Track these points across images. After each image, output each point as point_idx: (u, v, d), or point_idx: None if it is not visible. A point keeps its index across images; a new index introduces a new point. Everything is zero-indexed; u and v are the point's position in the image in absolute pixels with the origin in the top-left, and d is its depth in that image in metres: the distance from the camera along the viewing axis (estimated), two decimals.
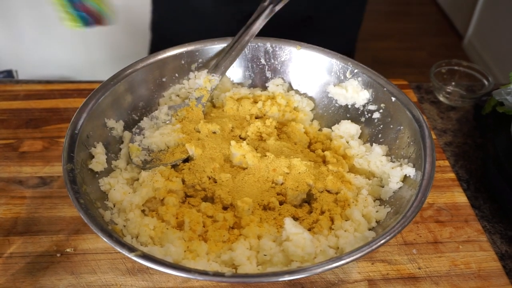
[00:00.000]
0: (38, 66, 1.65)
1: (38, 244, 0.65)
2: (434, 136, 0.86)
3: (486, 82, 0.97)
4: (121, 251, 0.48)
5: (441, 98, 0.98)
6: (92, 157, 0.64)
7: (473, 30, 2.84)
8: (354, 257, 0.48)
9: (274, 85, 0.80)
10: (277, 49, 0.78)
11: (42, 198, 0.71)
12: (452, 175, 0.78)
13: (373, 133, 0.72)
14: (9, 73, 1.44)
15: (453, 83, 1.00)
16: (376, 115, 0.72)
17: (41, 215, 0.69)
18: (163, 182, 0.63)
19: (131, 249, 0.48)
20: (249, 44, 0.77)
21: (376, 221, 0.61)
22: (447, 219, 0.71)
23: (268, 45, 0.77)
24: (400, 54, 2.86)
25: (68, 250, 0.65)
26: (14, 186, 0.73)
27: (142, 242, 0.56)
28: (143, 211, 0.62)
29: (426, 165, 0.58)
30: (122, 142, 0.70)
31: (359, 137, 0.73)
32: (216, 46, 0.77)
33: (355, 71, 0.73)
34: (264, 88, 0.81)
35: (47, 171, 0.75)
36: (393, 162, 0.66)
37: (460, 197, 0.74)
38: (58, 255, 0.64)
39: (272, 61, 0.79)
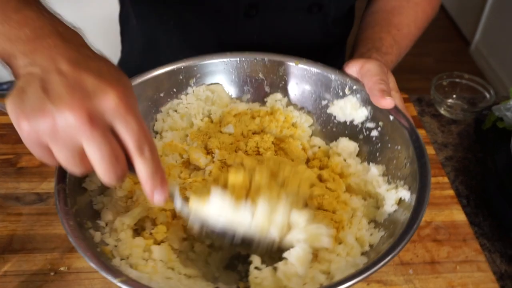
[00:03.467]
0: None
1: (33, 262, 0.65)
2: (433, 152, 0.85)
3: (487, 95, 0.96)
4: (105, 276, 0.48)
5: (442, 111, 0.97)
6: (87, 175, 0.63)
7: (480, 36, 2.82)
8: (345, 285, 0.48)
9: (273, 100, 0.79)
10: (275, 64, 0.77)
11: (38, 215, 0.71)
12: (451, 192, 0.77)
13: (371, 151, 0.71)
14: (13, 84, 1.44)
15: (454, 96, 0.99)
16: (374, 133, 0.71)
17: (37, 232, 0.69)
18: None
19: (116, 274, 0.48)
20: (248, 58, 0.77)
21: (370, 245, 0.60)
22: (445, 238, 0.70)
23: (267, 59, 0.77)
24: (406, 60, 2.84)
25: (62, 268, 0.65)
26: (11, 202, 0.73)
27: (132, 263, 0.56)
28: (136, 230, 0.62)
29: (420, 191, 0.57)
30: None
31: (357, 155, 0.73)
32: (214, 61, 0.77)
33: (354, 87, 0.72)
34: (263, 103, 0.80)
35: (44, 187, 0.76)
36: (390, 183, 0.65)
37: (458, 215, 0.74)
38: (52, 273, 0.64)
39: (271, 75, 0.78)
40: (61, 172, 0.58)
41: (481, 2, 2.75)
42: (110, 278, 0.48)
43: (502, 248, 0.73)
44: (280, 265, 0.54)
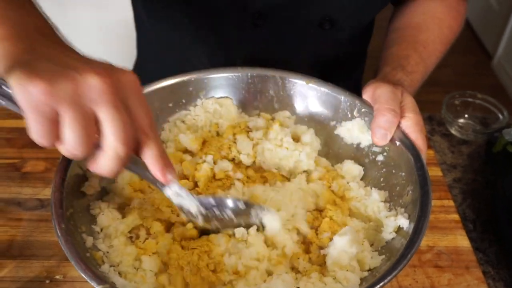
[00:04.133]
0: None
1: (29, 269, 0.66)
2: (440, 173, 0.83)
3: (500, 116, 0.93)
4: (89, 281, 0.48)
5: (453, 131, 0.95)
6: (86, 179, 0.64)
7: (503, 50, 2.77)
8: None
9: (281, 117, 0.78)
10: (286, 81, 0.76)
11: (38, 221, 0.72)
12: (456, 216, 0.75)
13: (375, 176, 0.70)
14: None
15: (466, 116, 0.97)
16: (380, 157, 0.69)
17: (36, 238, 0.70)
18: (152, 211, 0.63)
19: (99, 280, 0.48)
20: (258, 74, 0.76)
21: (370, 269, 0.59)
22: (447, 264, 0.69)
23: (278, 76, 0.76)
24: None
25: (57, 277, 0.65)
26: (12, 207, 0.74)
27: (122, 271, 0.56)
28: (130, 237, 0.62)
29: (418, 220, 0.56)
30: None
31: (361, 179, 0.71)
32: (225, 75, 0.77)
33: (363, 110, 0.70)
34: (271, 119, 0.79)
35: (46, 193, 0.76)
36: (390, 209, 0.64)
37: (462, 241, 0.72)
38: (47, 281, 0.65)
39: (281, 93, 0.78)
40: (60, 175, 0.58)
41: (505, 14, 2.70)
42: (93, 284, 0.48)
43: (507, 277, 0.71)
44: None
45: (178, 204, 0.57)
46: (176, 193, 0.56)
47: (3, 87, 0.43)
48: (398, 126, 0.65)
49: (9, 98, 0.43)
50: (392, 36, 0.88)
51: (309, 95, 0.76)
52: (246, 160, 0.72)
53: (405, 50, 0.81)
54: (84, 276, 0.49)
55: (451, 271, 0.68)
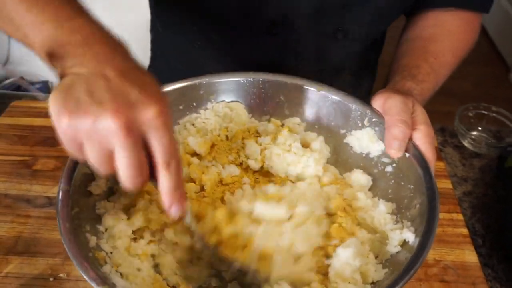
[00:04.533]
0: None
1: (34, 266, 0.66)
2: (450, 186, 0.82)
3: None
4: (90, 281, 0.49)
5: (466, 144, 0.94)
6: (94, 179, 0.64)
7: None
8: None
9: (291, 124, 0.78)
10: (297, 88, 0.76)
11: (46, 218, 0.73)
12: (464, 230, 0.74)
13: (383, 187, 0.69)
14: (44, 85, 1.49)
15: (479, 128, 0.96)
16: (389, 168, 0.69)
17: (42, 236, 0.70)
18: (158, 214, 0.63)
19: (99, 281, 0.48)
20: (270, 80, 0.76)
21: (372, 282, 0.58)
22: (453, 279, 0.67)
23: (289, 82, 0.76)
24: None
25: (61, 275, 0.65)
26: (21, 204, 0.75)
27: (123, 272, 0.56)
28: (134, 239, 0.62)
29: (424, 235, 0.55)
30: None
31: (369, 189, 0.71)
32: (236, 79, 0.77)
33: (373, 119, 0.70)
34: (281, 125, 0.79)
35: (55, 191, 0.76)
36: (397, 222, 0.63)
37: (470, 256, 0.70)
38: (51, 279, 0.65)
39: (292, 99, 0.77)
40: (68, 174, 0.59)
41: None
42: (93, 284, 0.48)
43: None
44: None
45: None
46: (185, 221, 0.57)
47: None
48: (409, 138, 0.65)
49: None
50: (403, 47, 0.88)
51: (320, 102, 0.75)
52: (254, 165, 0.72)
53: (415, 60, 0.81)
54: (84, 276, 0.49)
55: (457, 287, 0.66)
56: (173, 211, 0.50)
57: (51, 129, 0.87)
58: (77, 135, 0.45)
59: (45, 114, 0.90)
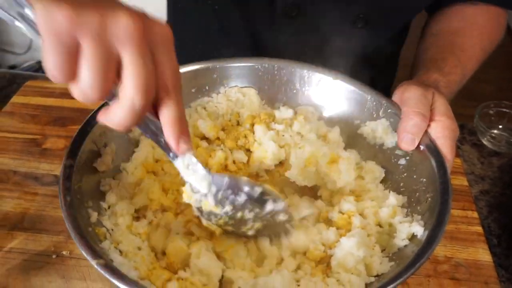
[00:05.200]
0: None
1: (38, 242, 0.66)
2: (466, 183, 0.79)
3: None
4: (85, 255, 0.48)
5: (485, 142, 0.91)
6: (100, 155, 0.63)
7: None
8: None
9: (304, 112, 0.76)
10: (313, 76, 0.74)
11: (52, 196, 0.72)
12: (479, 228, 0.71)
13: (396, 180, 0.67)
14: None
15: (500, 127, 0.93)
16: (402, 161, 0.66)
17: (48, 213, 0.70)
18: (158, 194, 0.62)
19: (95, 255, 0.48)
20: (285, 66, 0.75)
21: (377, 275, 0.56)
22: (464, 278, 0.65)
23: (305, 71, 0.74)
24: (464, 85, 2.72)
25: (64, 252, 0.65)
26: (29, 181, 0.75)
27: (123, 250, 0.55)
28: (137, 217, 0.62)
29: (434, 229, 0.53)
30: (138, 146, 0.69)
31: (381, 181, 0.68)
32: (251, 65, 0.75)
33: (389, 111, 0.68)
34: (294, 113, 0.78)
35: None
36: (407, 216, 0.61)
37: (483, 255, 0.68)
38: (54, 256, 0.65)
39: (307, 87, 0.76)
40: (73, 149, 0.59)
41: None
42: (89, 258, 0.48)
43: None
44: None
45: (187, 179, 0.51)
46: (187, 165, 0.50)
47: (27, 10, 0.39)
48: (426, 130, 0.62)
49: (30, 22, 0.39)
50: (428, 41, 0.85)
51: (335, 91, 0.74)
52: (270, 162, 0.70)
53: (441, 53, 0.78)
54: (80, 248, 0.48)
55: (468, 285, 0.64)
56: (181, 146, 0.44)
57: (62, 110, 0.89)
58: (77, 35, 0.36)
59: (58, 95, 0.91)
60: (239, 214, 0.54)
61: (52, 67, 0.37)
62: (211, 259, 0.54)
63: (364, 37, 0.87)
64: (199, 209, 0.54)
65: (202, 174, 0.51)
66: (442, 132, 0.62)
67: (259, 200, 0.54)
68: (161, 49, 0.40)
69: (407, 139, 0.61)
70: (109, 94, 0.40)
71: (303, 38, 0.87)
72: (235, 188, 0.53)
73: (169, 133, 0.44)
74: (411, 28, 0.99)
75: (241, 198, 0.53)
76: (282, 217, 0.55)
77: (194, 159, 0.50)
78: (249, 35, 0.89)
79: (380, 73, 1.00)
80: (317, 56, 0.79)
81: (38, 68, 1.48)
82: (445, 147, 0.61)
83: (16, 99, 0.90)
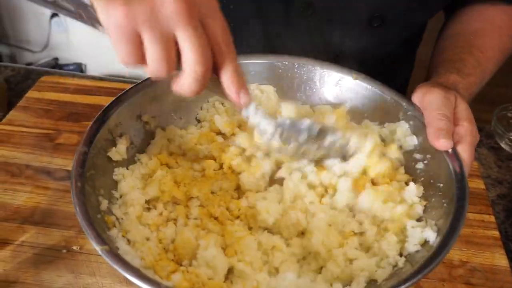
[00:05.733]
0: (107, 61, 1.72)
1: (49, 236, 0.66)
2: (483, 186, 0.77)
3: None
4: (90, 240, 0.48)
5: (503, 145, 0.89)
6: (115, 145, 0.64)
7: None
8: None
9: (322, 111, 0.75)
10: (332, 75, 0.73)
11: (64, 191, 0.73)
12: (496, 233, 0.70)
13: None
14: (78, 66, 1.51)
15: None
16: (420, 165, 0.65)
17: (59, 208, 0.70)
18: (170, 186, 0.62)
19: (100, 241, 0.48)
20: (306, 65, 0.74)
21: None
22: (480, 283, 0.63)
23: (325, 70, 0.74)
24: (481, 89, 2.67)
25: (74, 247, 0.65)
26: (41, 175, 0.75)
27: (131, 239, 0.55)
28: (148, 208, 0.62)
29: (447, 234, 0.52)
30: (154, 138, 0.69)
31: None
32: (270, 61, 0.74)
33: (408, 113, 0.66)
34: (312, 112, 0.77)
35: None
36: (420, 221, 0.60)
37: (500, 260, 0.66)
38: (64, 251, 0.65)
39: (325, 86, 0.75)
40: (89, 136, 0.59)
41: None
42: (93, 243, 0.48)
43: None
44: None
45: (254, 123, 0.57)
46: (253, 112, 0.56)
47: (91, 10, 0.45)
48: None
49: (97, 21, 0.44)
50: (445, 42, 0.84)
51: (354, 91, 0.73)
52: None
53: (460, 54, 0.76)
54: (85, 232, 0.49)
55: None
56: (242, 98, 0.49)
57: (76, 105, 0.89)
58: (136, 24, 0.41)
59: (72, 90, 0.91)
60: (303, 149, 0.61)
61: (123, 56, 0.43)
62: (219, 252, 0.54)
63: (380, 36, 0.86)
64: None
65: (266, 118, 0.57)
66: (466, 137, 0.60)
67: (320, 135, 0.60)
68: (209, 14, 0.44)
69: (444, 135, 0.59)
70: (175, 67, 0.44)
71: (318, 37, 0.86)
72: (296, 128, 0.59)
73: (230, 91, 0.49)
74: (427, 30, 0.98)
75: (303, 136, 0.59)
76: (339, 144, 0.62)
77: (255, 108, 0.55)
78: (263, 35, 0.88)
79: (394, 75, 0.99)
80: (331, 56, 0.78)
81: (54, 65, 1.51)
82: (466, 151, 0.59)
83: (30, 94, 0.90)
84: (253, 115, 0.56)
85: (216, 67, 0.47)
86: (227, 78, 0.48)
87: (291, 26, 0.85)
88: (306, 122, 0.59)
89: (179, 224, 0.59)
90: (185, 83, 0.45)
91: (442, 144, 0.59)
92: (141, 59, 0.43)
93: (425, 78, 0.78)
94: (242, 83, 0.49)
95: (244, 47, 0.90)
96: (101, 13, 0.42)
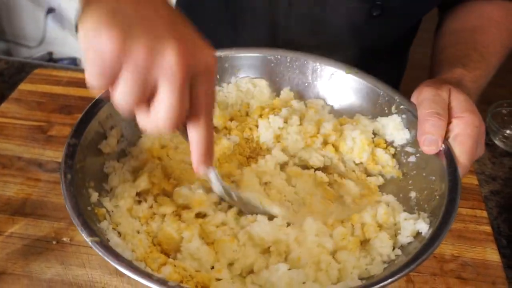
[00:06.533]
0: None
1: (39, 228, 0.66)
2: (476, 182, 0.77)
3: None
4: (80, 231, 0.48)
5: (497, 142, 0.89)
6: (105, 137, 0.63)
7: None
8: None
9: (314, 105, 0.75)
10: (324, 69, 0.73)
11: (55, 183, 0.72)
12: (488, 228, 0.69)
13: (404, 177, 0.65)
14: (73, 61, 1.51)
15: None
16: (412, 159, 0.65)
17: (50, 200, 0.70)
18: (160, 178, 0.62)
19: (90, 233, 0.48)
20: (299, 59, 0.74)
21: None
22: (471, 277, 0.63)
23: (317, 63, 0.73)
24: None
25: (64, 239, 0.65)
26: (33, 167, 0.75)
27: (121, 232, 0.55)
28: (139, 201, 0.61)
29: (439, 227, 0.52)
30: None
31: (390, 180, 0.67)
32: (263, 55, 0.74)
33: (401, 107, 0.66)
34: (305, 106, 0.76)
35: None
36: (413, 213, 0.59)
37: (492, 255, 0.66)
38: (54, 242, 0.64)
39: (318, 80, 0.75)
40: (78, 128, 0.59)
41: None
42: (83, 235, 0.48)
43: None
44: None
45: (212, 183, 0.57)
46: (214, 178, 0.56)
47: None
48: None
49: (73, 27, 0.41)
50: (445, 39, 0.83)
51: (347, 85, 0.72)
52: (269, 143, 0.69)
53: (464, 50, 0.76)
54: (76, 224, 0.48)
55: (475, 285, 0.62)
56: (201, 169, 0.47)
57: (68, 98, 0.88)
58: (120, 60, 0.37)
59: (64, 83, 0.91)
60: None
61: (91, 77, 0.38)
62: (202, 243, 0.54)
63: (379, 26, 0.85)
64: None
65: (216, 184, 0.57)
66: (465, 130, 0.59)
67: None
68: (202, 78, 0.42)
69: (428, 141, 0.59)
70: (142, 105, 0.41)
71: (317, 28, 0.85)
72: (242, 202, 0.60)
73: (193, 154, 0.46)
74: (420, 30, 0.98)
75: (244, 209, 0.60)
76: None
77: (212, 174, 0.55)
78: (256, 26, 0.87)
79: (388, 68, 0.99)
80: (326, 46, 0.77)
81: (49, 59, 1.50)
82: (464, 144, 0.58)
83: (23, 86, 0.90)
84: (214, 181, 0.56)
85: (189, 123, 0.45)
86: (192, 141, 0.45)
87: (281, 17, 0.84)
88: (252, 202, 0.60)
89: (166, 218, 0.58)
90: (149, 125, 0.42)
91: (424, 150, 0.59)
92: (109, 86, 0.39)
93: (428, 77, 0.77)
94: (208, 150, 0.46)
95: (235, 37, 0.90)
96: (89, 34, 0.37)
